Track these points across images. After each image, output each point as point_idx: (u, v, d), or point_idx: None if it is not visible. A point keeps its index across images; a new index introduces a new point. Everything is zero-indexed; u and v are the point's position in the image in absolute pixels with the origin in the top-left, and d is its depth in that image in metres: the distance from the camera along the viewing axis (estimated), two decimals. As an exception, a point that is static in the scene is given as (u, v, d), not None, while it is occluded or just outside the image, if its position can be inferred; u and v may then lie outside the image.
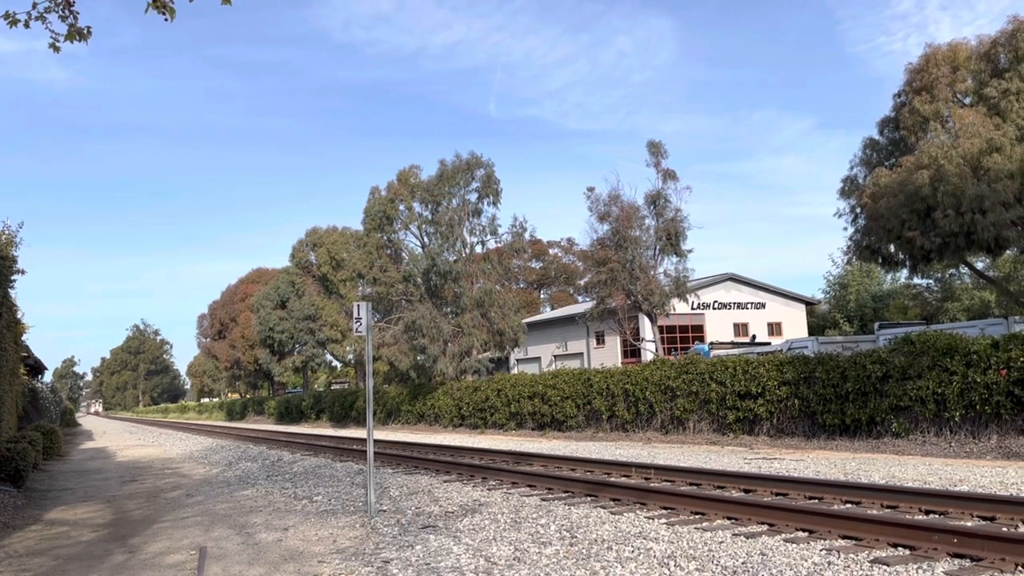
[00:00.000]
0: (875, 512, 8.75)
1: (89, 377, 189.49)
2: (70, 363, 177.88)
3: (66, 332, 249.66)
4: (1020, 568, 6.22)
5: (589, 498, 10.94)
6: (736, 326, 52.06)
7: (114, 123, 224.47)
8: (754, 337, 47.66)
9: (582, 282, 78.56)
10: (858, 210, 29.22)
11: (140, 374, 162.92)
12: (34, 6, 6.68)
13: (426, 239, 39.60)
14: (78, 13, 6.76)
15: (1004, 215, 23.25)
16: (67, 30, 6.77)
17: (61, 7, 6.73)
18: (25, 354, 25.85)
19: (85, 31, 6.82)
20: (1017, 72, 25.01)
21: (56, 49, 6.87)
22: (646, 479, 12.62)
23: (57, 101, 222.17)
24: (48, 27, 6.74)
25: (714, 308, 51.75)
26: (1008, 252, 29.87)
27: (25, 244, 16.43)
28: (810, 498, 9.98)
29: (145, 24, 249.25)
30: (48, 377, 60.17)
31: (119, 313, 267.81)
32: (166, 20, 6.67)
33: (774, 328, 53.11)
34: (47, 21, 6.75)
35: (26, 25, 6.73)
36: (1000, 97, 24.87)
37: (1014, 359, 14.43)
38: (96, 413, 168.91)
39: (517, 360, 59.05)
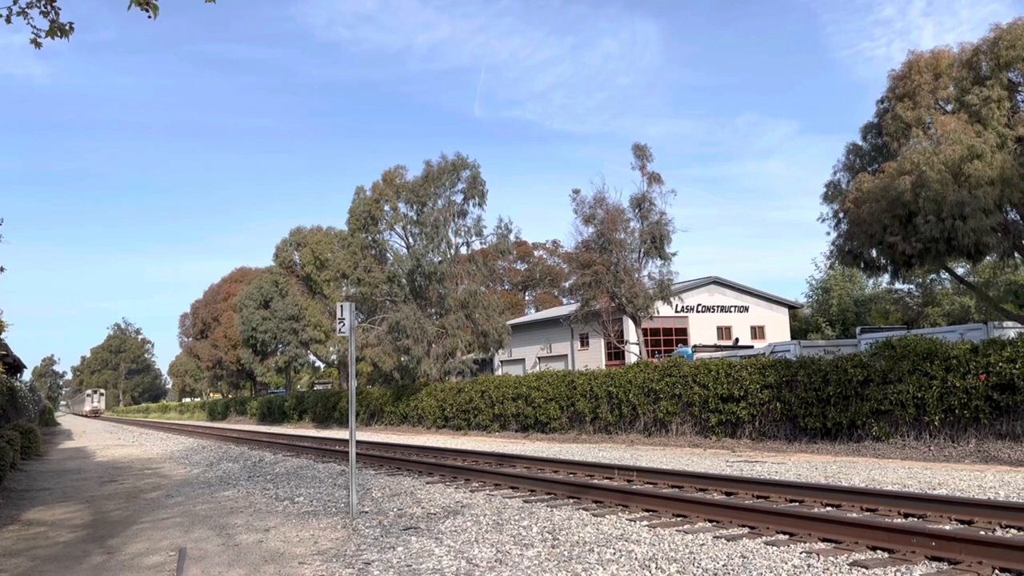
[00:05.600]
0: (855, 515, 8.81)
1: (69, 376, 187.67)
2: (50, 362, 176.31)
3: (46, 331, 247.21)
4: (997, 571, 6.28)
5: (572, 500, 10.95)
6: (719, 329, 52.29)
7: (95, 120, 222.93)
8: (737, 340, 47.89)
9: (567, 284, 78.75)
10: (841, 215, 29.42)
11: (121, 373, 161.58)
12: (15, 1, 6.61)
13: (411, 240, 39.52)
14: (59, 9, 6.70)
15: (984, 221, 23.47)
16: (49, 26, 6.71)
17: (43, 3, 6.66)
18: (3, 352, 25.58)
19: (67, 27, 6.76)
20: (998, 80, 25.27)
21: (38, 45, 6.80)
22: (628, 481, 12.65)
23: (37, 96, 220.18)
24: (30, 23, 6.68)
25: (698, 311, 51.96)
26: (988, 258, 30.14)
27: (4, 241, 16.27)
28: (791, 501, 10.04)
29: (127, 20, 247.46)
30: (27, 376, 59.49)
31: (100, 312, 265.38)
32: (149, 17, 6.62)
33: (757, 332, 53.40)
34: (29, 17, 6.68)
35: (7, 20, 6.67)
36: (981, 104, 25.12)
37: (993, 364, 14.57)
38: (94, 412, 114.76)
39: (501, 362, 59.01)
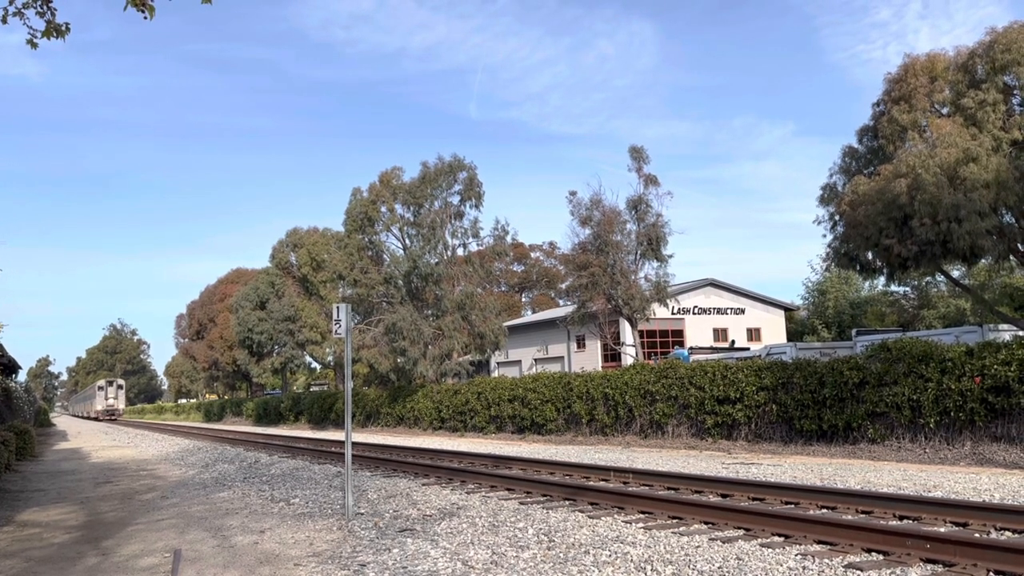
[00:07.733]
0: (850, 517, 8.83)
1: (64, 377, 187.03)
2: (45, 362, 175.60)
3: (41, 331, 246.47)
4: (992, 573, 6.30)
5: (567, 502, 10.94)
6: (716, 331, 52.32)
7: (91, 120, 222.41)
8: (733, 342, 47.94)
9: (563, 286, 78.70)
10: (837, 217, 29.43)
11: (116, 374, 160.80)
12: (11, 2, 6.60)
13: (408, 241, 39.50)
14: (55, 9, 6.69)
15: (979, 224, 23.51)
16: (45, 26, 6.70)
17: (39, 3, 6.65)
18: (-1, 353, 25.50)
19: (63, 27, 6.75)
20: (993, 83, 25.31)
21: (34, 45, 6.79)
22: (624, 483, 12.65)
23: (32, 96, 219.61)
24: (26, 23, 6.67)
25: (694, 313, 51.98)
26: (983, 261, 30.19)
27: (0, 242, 16.21)
28: (786, 503, 10.05)
29: (122, 20, 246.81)
30: (22, 376, 59.33)
31: (96, 312, 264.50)
32: (145, 18, 6.61)
33: (753, 334, 53.44)
34: (25, 17, 6.67)
35: (3, 21, 6.65)
36: (977, 108, 25.15)
37: (988, 367, 14.60)
38: (110, 413, 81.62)
39: (498, 363, 58.98)
